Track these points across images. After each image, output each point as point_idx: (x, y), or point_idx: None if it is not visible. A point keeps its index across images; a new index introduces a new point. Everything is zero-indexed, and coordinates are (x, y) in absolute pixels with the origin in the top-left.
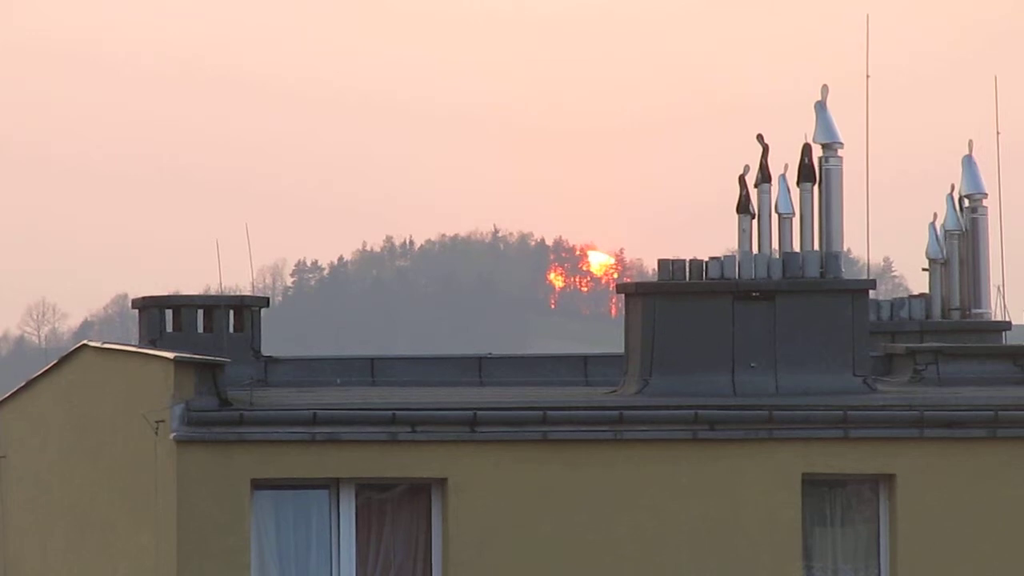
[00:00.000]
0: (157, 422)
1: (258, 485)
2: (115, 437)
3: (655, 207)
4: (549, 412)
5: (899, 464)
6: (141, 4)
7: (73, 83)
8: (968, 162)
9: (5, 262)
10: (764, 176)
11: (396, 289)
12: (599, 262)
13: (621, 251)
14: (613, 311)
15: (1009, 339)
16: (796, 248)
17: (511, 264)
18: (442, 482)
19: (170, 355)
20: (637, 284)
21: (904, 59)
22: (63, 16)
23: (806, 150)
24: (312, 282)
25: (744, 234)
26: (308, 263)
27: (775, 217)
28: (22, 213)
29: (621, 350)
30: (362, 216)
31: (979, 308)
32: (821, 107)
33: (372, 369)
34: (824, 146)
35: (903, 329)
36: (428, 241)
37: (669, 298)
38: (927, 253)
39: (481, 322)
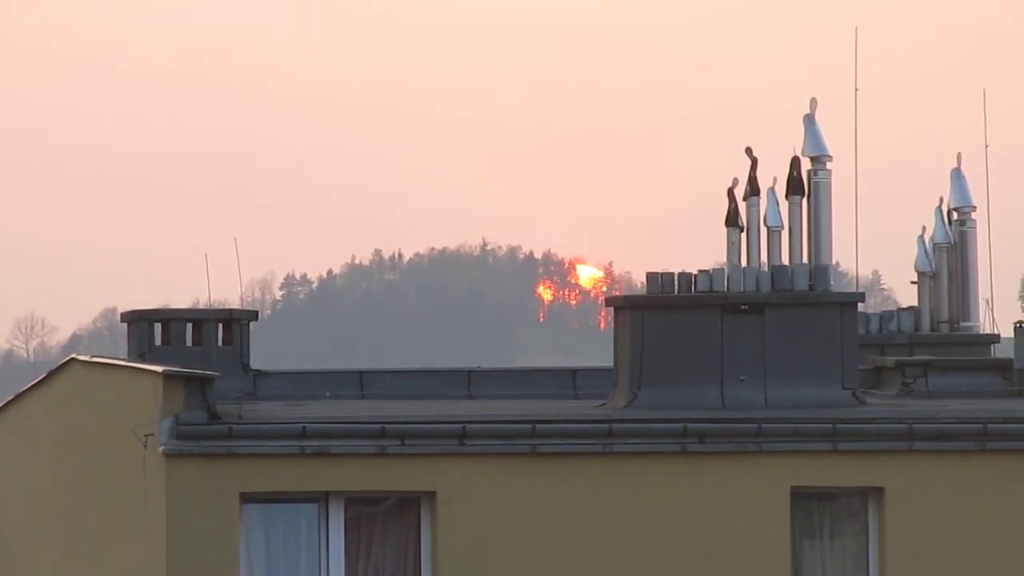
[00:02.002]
0: (146, 436)
1: (247, 499)
2: (104, 451)
3: (644, 220)
4: (538, 425)
5: (888, 477)
6: (134, 14)
7: (62, 96)
8: (957, 175)
9: None
10: (753, 189)
11: (385, 302)
12: (588, 275)
13: (610, 264)
14: (602, 324)
15: (997, 352)
16: (785, 261)
17: (500, 277)
18: (431, 495)
19: (159, 369)
20: (626, 297)
21: (893, 72)
22: (54, 29)
23: (795, 163)
24: (301, 295)
25: (733, 247)
26: (297, 276)
27: (764, 230)
28: (10, 226)
29: (610, 363)
30: (351, 229)
31: (968, 321)
32: (810, 120)
33: (361, 382)
34: (813, 159)
35: (892, 342)
36: (417, 254)
37: (658, 311)
38: (916, 266)
39: (470, 335)
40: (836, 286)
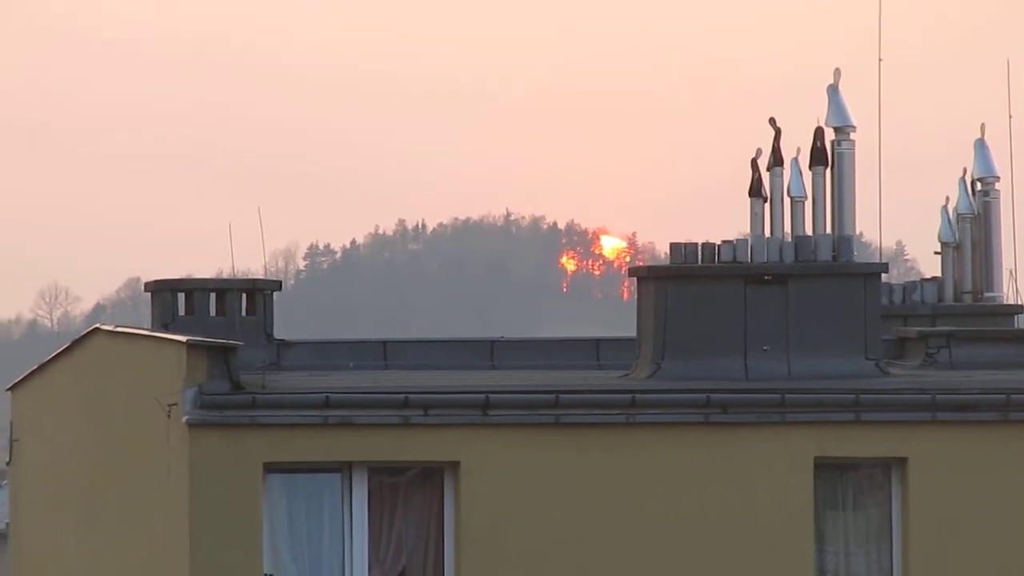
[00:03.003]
0: (170, 405)
1: (271, 468)
2: (128, 421)
3: (667, 191)
4: (561, 396)
5: (911, 448)
6: None
7: (85, 66)
8: (980, 146)
9: (18, 246)
10: (776, 160)
11: (408, 273)
12: (611, 246)
13: (633, 235)
14: (625, 295)
15: (1021, 323)
16: (808, 232)
17: (523, 247)
18: (454, 465)
19: (183, 338)
20: (649, 268)
21: (916, 42)
22: (78, 4)
23: (818, 133)
24: (324, 265)
25: (756, 218)
26: (320, 246)
27: (787, 201)
28: (35, 197)
29: (633, 334)
30: (375, 199)
31: (991, 292)
32: (833, 90)
33: (384, 352)
34: (836, 130)
35: (915, 313)
36: (440, 224)
37: (681, 282)
38: (939, 237)
39: (493, 305)
40: (859, 257)
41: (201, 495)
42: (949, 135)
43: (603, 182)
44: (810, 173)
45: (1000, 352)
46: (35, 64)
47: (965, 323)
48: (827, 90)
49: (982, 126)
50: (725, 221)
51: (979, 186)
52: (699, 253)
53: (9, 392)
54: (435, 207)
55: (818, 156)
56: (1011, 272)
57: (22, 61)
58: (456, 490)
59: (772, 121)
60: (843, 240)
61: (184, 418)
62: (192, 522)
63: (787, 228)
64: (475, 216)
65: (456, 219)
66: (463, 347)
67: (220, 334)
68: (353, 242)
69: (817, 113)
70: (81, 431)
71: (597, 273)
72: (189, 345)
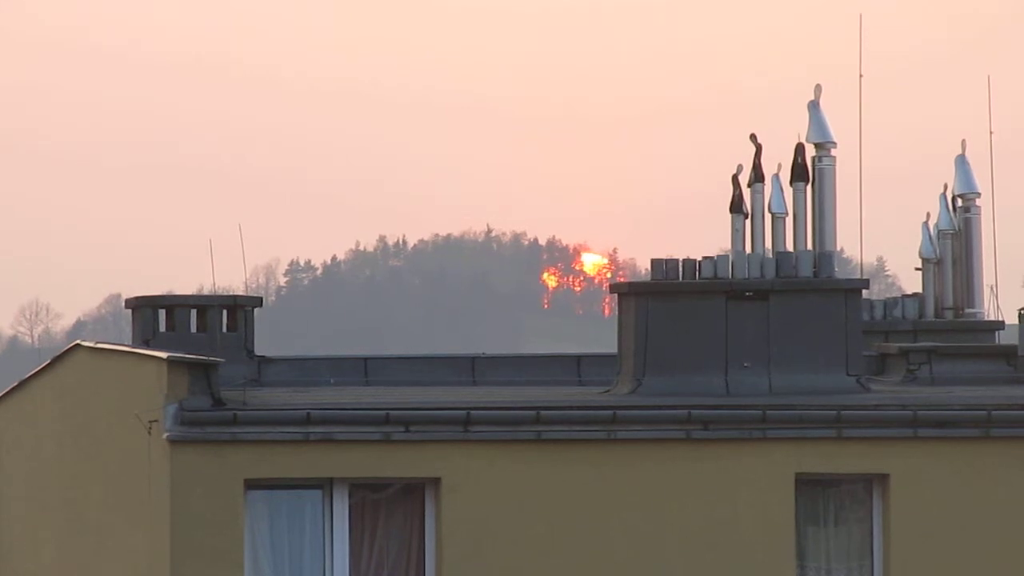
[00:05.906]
0: (150, 422)
1: (252, 485)
2: (109, 437)
3: (648, 207)
4: (543, 412)
5: (893, 464)
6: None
7: (65, 80)
8: (961, 161)
9: None
10: (757, 176)
11: (389, 289)
12: (592, 262)
13: (614, 251)
14: (606, 311)
15: (1002, 338)
16: (789, 248)
17: (504, 264)
18: (436, 482)
19: (163, 355)
20: (630, 284)
21: (898, 58)
22: (55, 8)
23: (799, 150)
24: (305, 281)
25: (737, 234)
26: (301, 262)
27: (768, 217)
28: (15, 212)
29: (614, 350)
30: (355, 215)
31: (972, 308)
32: (814, 106)
33: (366, 369)
34: (817, 146)
35: (896, 329)
36: (421, 240)
37: (662, 298)
38: (920, 253)
39: (474, 322)
40: (840, 272)
41: (182, 511)
42: (930, 151)
43: (584, 198)
44: (791, 189)
45: (981, 368)
46: (11, 75)
47: (946, 339)
48: (808, 106)
49: (963, 142)
50: (706, 237)
51: (960, 202)
52: (680, 269)
53: None
54: (416, 223)
55: (799, 172)
56: (992, 288)
57: None
58: (437, 506)
59: (753, 137)
60: (824, 256)
61: (165, 434)
62: (173, 538)
63: (768, 244)
64: (456, 232)
65: (437, 235)
66: (444, 363)
67: (201, 350)
68: (334, 258)
69: (798, 129)
70: (62, 448)
71: (578, 289)
72: (170, 361)
